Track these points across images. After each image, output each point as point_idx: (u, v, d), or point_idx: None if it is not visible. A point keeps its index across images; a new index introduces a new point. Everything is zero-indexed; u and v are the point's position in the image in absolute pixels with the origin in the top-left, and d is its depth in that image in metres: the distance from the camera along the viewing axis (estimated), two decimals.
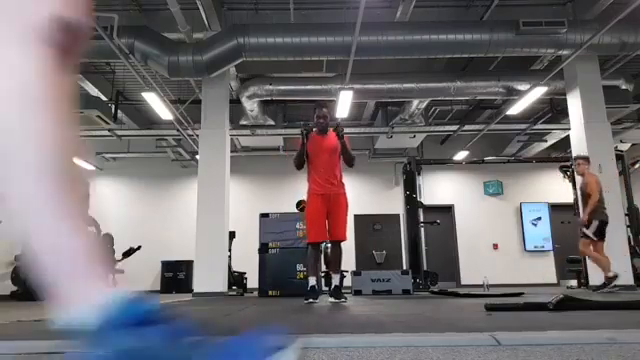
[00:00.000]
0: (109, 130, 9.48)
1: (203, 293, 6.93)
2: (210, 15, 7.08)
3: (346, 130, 5.03)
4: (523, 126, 10.41)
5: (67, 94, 0.64)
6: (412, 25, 7.09)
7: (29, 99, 0.60)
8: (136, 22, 7.21)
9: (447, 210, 12.54)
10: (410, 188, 8.78)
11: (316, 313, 2.89)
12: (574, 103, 8.00)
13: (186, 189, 12.10)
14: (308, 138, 4.58)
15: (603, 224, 6.35)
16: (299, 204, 8.36)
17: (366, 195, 12.18)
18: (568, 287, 6.85)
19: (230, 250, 8.08)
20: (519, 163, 11.75)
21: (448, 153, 12.06)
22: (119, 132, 9.91)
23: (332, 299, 4.47)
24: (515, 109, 9.08)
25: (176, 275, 11.35)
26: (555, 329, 1.58)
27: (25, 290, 6.68)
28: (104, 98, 9.21)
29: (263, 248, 6.89)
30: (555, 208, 12.10)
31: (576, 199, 7.72)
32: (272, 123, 10.39)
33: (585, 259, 7.54)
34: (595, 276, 6.98)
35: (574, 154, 7.93)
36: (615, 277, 6.14)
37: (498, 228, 12.50)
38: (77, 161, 0.65)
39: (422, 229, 8.89)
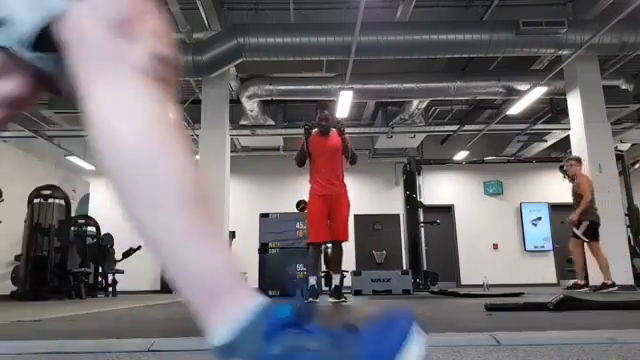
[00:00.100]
0: None
1: None
2: (210, 15, 7.08)
3: (346, 130, 5.03)
4: (523, 126, 10.41)
5: (177, 121, 0.69)
6: (412, 25, 7.09)
7: (159, 132, 0.64)
8: None
9: (447, 210, 12.53)
10: (410, 188, 8.78)
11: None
12: (574, 103, 8.00)
13: None
14: (310, 134, 4.59)
15: (594, 225, 6.39)
16: (299, 204, 8.37)
17: (366, 195, 12.18)
18: (568, 287, 6.87)
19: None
20: (519, 163, 11.75)
21: (448, 153, 12.06)
22: None
23: (332, 299, 4.47)
24: (515, 109, 9.08)
25: None
26: (555, 329, 1.58)
27: (25, 290, 6.68)
28: None
29: (263, 248, 6.89)
30: (555, 208, 12.09)
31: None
32: (272, 123, 10.39)
33: (586, 260, 7.53)
34: (597, 276, 6.98)
35: (573, 154, 7.93)
36: (612, 285, 6.18)
37: (498, 228, 12.50)
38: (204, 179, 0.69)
39: (422, 229, 8.89)
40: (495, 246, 12.42)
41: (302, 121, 10.08)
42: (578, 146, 7.85)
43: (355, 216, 11.88)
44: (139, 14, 0.66)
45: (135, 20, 0.65)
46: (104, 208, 11.37)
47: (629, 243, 7.62)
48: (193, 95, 9.15)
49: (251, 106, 9.20)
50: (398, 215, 12.18)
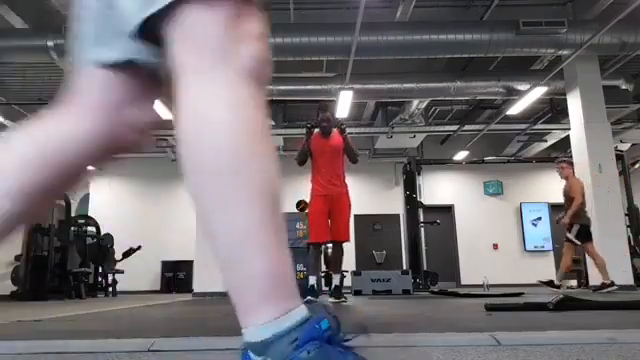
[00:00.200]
0: None
1: (203, 293, 6.92)
2: None
3: (346, 130, 5.04)
4: (523, 126, 10.41)
5: (268, 124, 0.72)
6: (412, 25, 7.09)
7: (250, 134, 0.67)
8: None
9: (447, 210, 12.53)
10: (410, 188, 8.77)
11: None
12: (574, 103, 8.00)
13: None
14: (312, 134, 4.61)
15: (584, 228, 6.46)
16: (299, 204, 8.36)
17: (366, 195, 12.18)
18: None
19: None
20: (519, 163, 11.75)
21: (448, 153, 12.05)
22: None
23: (332, 299, 4.47)
24: (515, 109, 9.08)
25: (176, 275, 11.36)
26: (555, 329, 1.58)
27: (25, 290, 6.68)
28: None
29: None
30: (555, 208, 12.06)
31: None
32: (272, 123, 10.39)
33: (585, 260, 7.54)
34: (597, 276, 6.98)
35: (574, 155, 7.93)
36: (611, 284, 6.22)
37: (498, 228, 12.50)
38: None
39: (422, 229, 8.89)
40: (495, 246, 12.41)
41: (302, 121, 10.11)
42: (578, 146, 7.85)
43: (355, 216, 11.87)
44: (248, 17, 0.69)
45: (245, 22, 0.68)
46: (104, 208, 11.44)
47: (629, 243, 7.63)
48: None
49: None
50: (398, 215, 12.17)
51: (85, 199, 10.59)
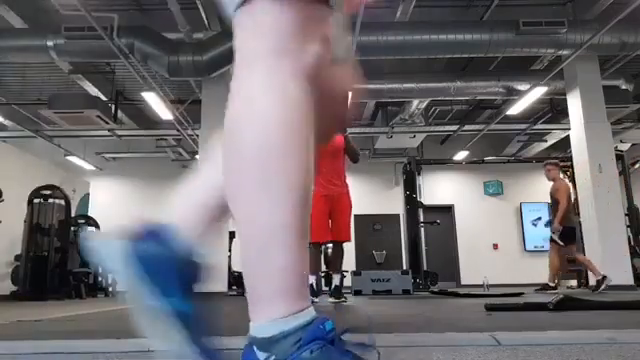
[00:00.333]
0: (109, 130, 9.47)
1: (203, 293, 6.91)
2: (210, 15, 7.07)
3: (347, 130, 5.03)
4: (523, 126, 10.41)
5: (313, 125, 0.72)
6: (412, 25, 7.09)
7: (293, 132, 0.67)
8: (136, 22, 7.20)
9: (447, 210, 12.54)
10: (410, 188, 8.77)
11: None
12: (574, 103, 8.00)
13: None
14: None
15: (569, 230, 6.53)
16: None
17: (366, 195, 12.18)
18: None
19: (230, 250, 8.08)
20: (519, 163, 11.75)
21: (448, 153, 12.05)
22: (119, 132, 9.91)
23: (332, 299, 4.47)
24: (515, 109, 9.08)
25: None
26: (555, 329, 1.58)
27: (25, 290, 6.68)
28: (104, 98, 9.20)
29: None
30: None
31: (576, 199, 7.72)
32: None
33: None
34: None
35: (574, 155, 7.94)
36: (604, 279, 6.29)
37: (498, 228, 12.50)
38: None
39: (422, 229, 8.88)
40: (495, 246, 12.41)
41: None
42: (578, 146, 7.85)
43: (355, 216, 11.79)
44: (318, 18, 0.69)
45: (313, 23, 0.69)
46: (104, 208, 11.42)
47: (629, 243, 7.63)
48: (193, 95, 9.16)
49: None
50: (398, 215, 12.17)
51: (85, 199, 10.58)
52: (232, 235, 8.15)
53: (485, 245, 12.35)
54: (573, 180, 8.03)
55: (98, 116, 7.98)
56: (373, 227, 12.38)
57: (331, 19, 0.72)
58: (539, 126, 10.28)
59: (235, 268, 8.26)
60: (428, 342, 1.32)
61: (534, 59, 8.38)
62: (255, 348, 0.66)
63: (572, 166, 8.02)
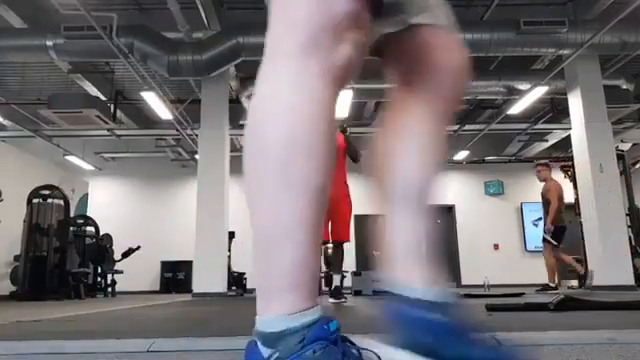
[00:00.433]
0: (108, 130, 9.47)
1: (203, 293, 6.92)
2: (210, 14, 7.07)
3: (348, 130, 5.03)
4: (524, 126, 10.40)
5: (335, 127, 0.73)
6: None
7: (320, 130, 0.67)
8: (135, 21, 7.20)
9: (448, 210, 12.53)
10: None
11: None
12: (575, 103, 8.00)
13: (186, 189, 12.08)
14: None
15: (559, 229, 6.60)
16: None
17: (366, 195, 12.15)
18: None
19: (230, 250, 8.08)
20: (520, 163, 11.75)
21: (448, 153, 12.01)
22: (118, 132, 9.90)
23: (332, 299, 4.47)
24: (516, 109, 9.07)
25: (175, 275, 11.35)
26: (555, 329, 1.57)
27: (24, 290, 6.67)
28: (103, 98, 9.20)
29: None
30: None
31: (577, 199, 7.72)
32: None
33: (586, 260, 7.54)
34: (599, 276, 6.99)
35: (575, 154, 7.93)
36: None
37: (499, 228, 12.49)
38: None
39: None
40: (496, 246, 12.40)
41: None
42: (579, 146, 7.84)
43: (355, 216, 11.84)
44: (354, 20, 0.68)
45: (349, 24, 0.67)
46: (103, 208, 11.43)
47: (630, 243, 7.61)
48: (192, 95, 9.15)
49: None
50: None
51: (84, 199, 10.58)
52: (232, 235, 8.14)
53: (486, 245, 12.35)
54: (574, 180, 8.02)
55: (97, 116, 7.97)
56: (373, 227, 12.37)
57: (369, 26, 0.72)
58: (540, 126, 10.28)
59: (235, 268, 8.25)
60: None
61: (535, 59, 8.37)
62: (259, 344, 0.65)
63: (573, 166, 8.00)
